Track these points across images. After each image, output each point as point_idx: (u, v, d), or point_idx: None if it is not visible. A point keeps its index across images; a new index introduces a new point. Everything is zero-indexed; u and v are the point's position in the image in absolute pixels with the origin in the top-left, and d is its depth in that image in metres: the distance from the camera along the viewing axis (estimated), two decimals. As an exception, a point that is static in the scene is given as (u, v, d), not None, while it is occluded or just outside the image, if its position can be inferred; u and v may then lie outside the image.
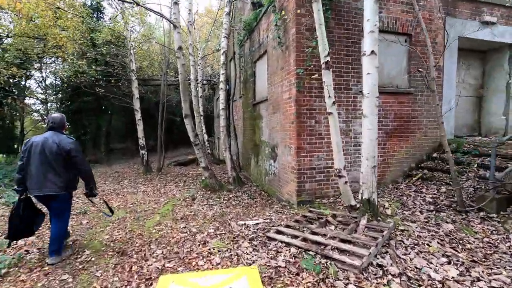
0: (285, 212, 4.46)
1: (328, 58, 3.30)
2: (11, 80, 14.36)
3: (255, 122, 7.15)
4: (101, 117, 17.10)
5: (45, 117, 25.95)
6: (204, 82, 16.59)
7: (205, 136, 13.13)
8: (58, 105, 18.10)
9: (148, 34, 16.14)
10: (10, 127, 20.52)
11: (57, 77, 16.38)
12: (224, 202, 5.45)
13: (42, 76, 20.59)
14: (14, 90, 16.03)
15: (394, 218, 3.58)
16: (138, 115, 9.92)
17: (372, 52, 3.40)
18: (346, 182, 3.41)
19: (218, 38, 15.87)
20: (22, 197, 2.95)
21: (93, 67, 11.92)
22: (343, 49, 4.76)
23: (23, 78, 19.35)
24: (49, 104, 23.58)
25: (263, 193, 6.25)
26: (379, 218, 3.45)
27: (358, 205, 3.52)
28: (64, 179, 2.94)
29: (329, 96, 3.33)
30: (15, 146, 20.77)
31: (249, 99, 7.74)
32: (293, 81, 4.63)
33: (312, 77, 4.04)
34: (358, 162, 4.94)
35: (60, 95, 17.06)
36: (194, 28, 10.70)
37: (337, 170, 3.39)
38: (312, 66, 4.54)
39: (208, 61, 19.28)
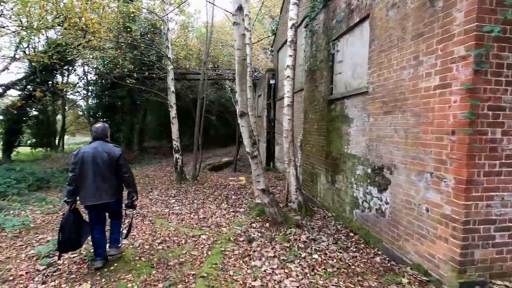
0: (444, 308, 2.28)
1: None
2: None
3: (333, 125, 5.02)
4: (134, 114, 16.10)
5: (85, 112, 26.27)
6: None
7: (246, 139, 11.30)
8: (97, 101, 17.52)
9: (186, 24, 14.82)
10: (51, 122, 20.60)
11: (93, 70, 15.69)
12: (302, 254, 3.39)
13: (84, 71, 20.48)
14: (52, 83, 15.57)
15: None
16: (173, 112, 8.31)
17: None
18: None
19: (272, 20, 14.01)
20: (71, 208, 2.95)
21: (127, 57, 10.68)
22: None
23: (66, 74, 19.30)
24: (90, 100, 23.65)
25: (352, 234, 4.11)
26: None
27: None
28: (115, 187, 3.04)
29: None
30: (56, 141, 20.89)
31: (319, 94, 5.63)
32: (460, 53, 2.42)
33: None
34: None
35: (95, 91, 16.39)
36: None
37: None
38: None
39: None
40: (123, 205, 3.23)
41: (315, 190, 5.93)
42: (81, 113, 28.41)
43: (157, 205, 5.94)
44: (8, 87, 13.33)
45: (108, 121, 14.92)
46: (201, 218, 4.99)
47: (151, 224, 4.61)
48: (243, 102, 3.93)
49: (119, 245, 3.22)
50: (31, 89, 14.04)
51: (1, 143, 15.34)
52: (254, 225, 4.50)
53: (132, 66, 10.24)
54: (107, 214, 3.18)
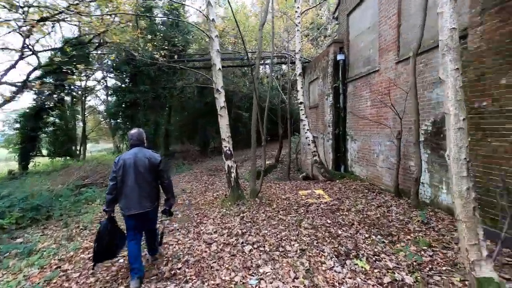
0: None
1: None
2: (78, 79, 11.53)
3: None
4: (159, 113, 13.70)
5: (105, 114, 24.33)
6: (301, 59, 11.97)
7: (309, 136, 8.36)
8: (116, 98, 15.33)
9: None
10: (70, 129, 18.85)
11: (110, 66, 13.47)
12: None
13: (103, 76, 18.59)
14: (73, 88, 13.57)
15: None
16: (221, 100, 5.60)
17: None
18: None
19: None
20: (109, 217, 2.86)
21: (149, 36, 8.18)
22: None
23: (84, 77, 17.45)
24: (109, 101, 21.55)
25: None
26: None
27: None
28: (155, 194, 2.94)
29: None
30: (75, 149, 19.13)
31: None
32: None
33: None
34: None
35: (115, 86, 14.15)
36: None
37: None
38: None
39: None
40: (159, 212, 3.08)
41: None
42: (102, 119, 26.85)
43: (225, 261, 3.19)
44: (21, 89, 11.29)
45: (127, 122, 12.60)
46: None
47: None
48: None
49: (156, 254, 3.20)
50: (47, 92, 12.08)
51: (17, 153, 13.60)
52: None
53: (156, 52, 7.71)
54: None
